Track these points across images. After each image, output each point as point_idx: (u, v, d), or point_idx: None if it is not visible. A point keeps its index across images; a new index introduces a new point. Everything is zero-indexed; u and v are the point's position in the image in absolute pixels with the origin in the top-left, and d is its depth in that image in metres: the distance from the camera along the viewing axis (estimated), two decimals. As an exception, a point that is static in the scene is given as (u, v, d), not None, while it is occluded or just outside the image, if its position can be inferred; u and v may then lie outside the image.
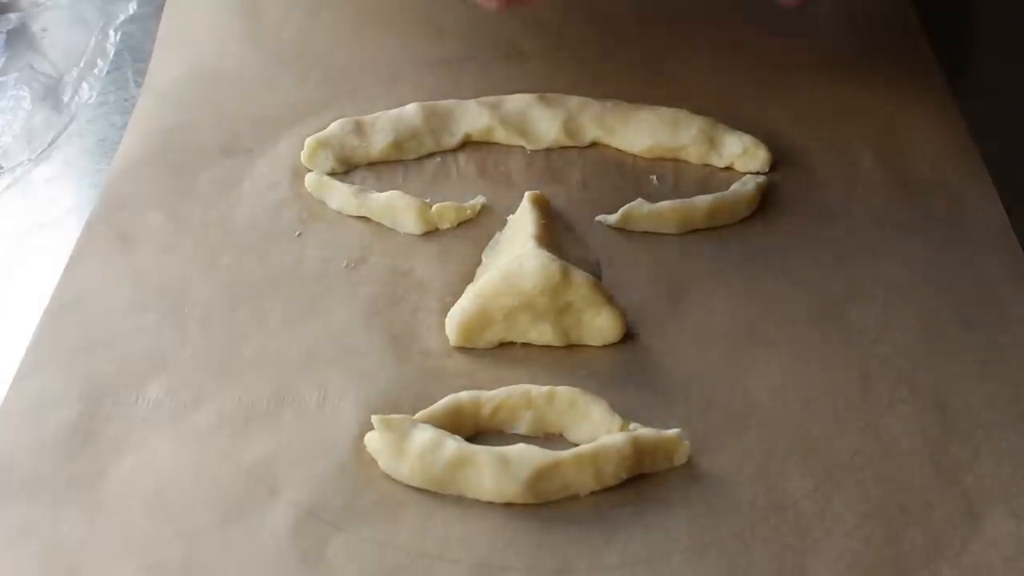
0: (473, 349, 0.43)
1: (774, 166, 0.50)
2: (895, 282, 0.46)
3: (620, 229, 0.48)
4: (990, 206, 0.49)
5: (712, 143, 0.51)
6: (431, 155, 0.51)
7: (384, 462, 0.39)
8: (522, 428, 0.40)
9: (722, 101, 0.53)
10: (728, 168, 0.51)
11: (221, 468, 0.39)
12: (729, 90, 0.54)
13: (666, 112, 0.52)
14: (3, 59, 0.55)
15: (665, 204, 0.48)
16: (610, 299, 0.43)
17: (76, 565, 0.36)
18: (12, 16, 0.57)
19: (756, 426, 0.40)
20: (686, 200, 0.48)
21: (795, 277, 0.46)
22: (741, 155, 0.50)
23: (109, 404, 0.41)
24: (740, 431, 0.40)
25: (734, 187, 0.49)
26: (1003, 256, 0.47)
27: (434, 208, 0.48)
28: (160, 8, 0.60)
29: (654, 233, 0.48)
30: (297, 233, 0.48)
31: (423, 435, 0.39)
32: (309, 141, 0.50)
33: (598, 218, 0.48)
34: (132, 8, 0.60)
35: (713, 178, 0.50)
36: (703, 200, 0.48)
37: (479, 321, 0.43)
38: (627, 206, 0.48)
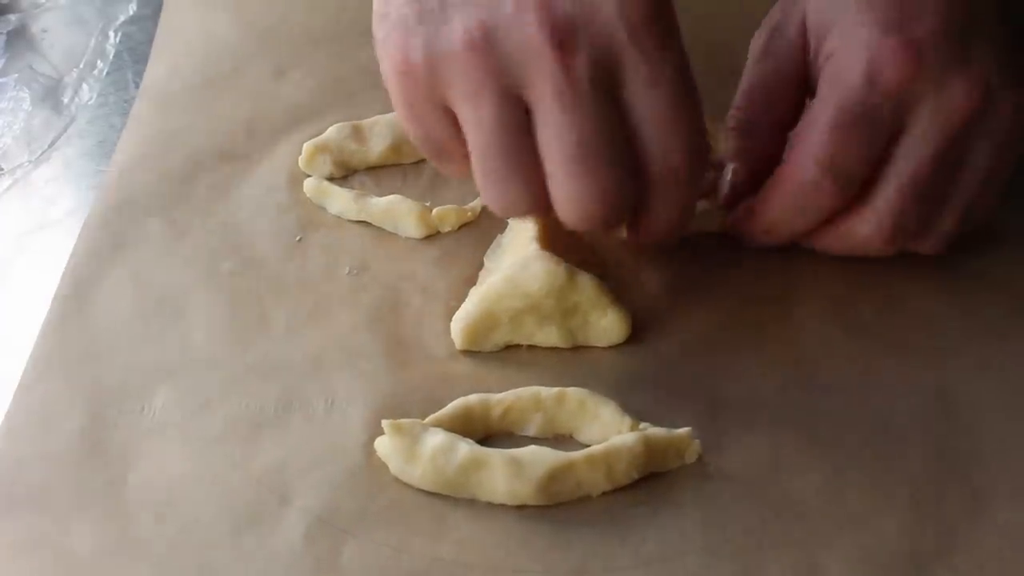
0: (479, 352, 0.43)
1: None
2: (897, 278, 0.46)
3: (623, 228, 0.48)
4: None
5: (712, 137, 0.51)
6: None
7: (395, 466, 0.39)
8: (532, 430, 0.40)
9: (723, 102, 0.52)
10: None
11: (231, 476, 0.39)
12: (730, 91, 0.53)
13: None
14: (3, 60, 0.55)
15: None
16: (615, 300, 0.43)
17: (88, 577, 0.36)
18: (12, 17, 0.57)
19: (765, 423, 0.41)
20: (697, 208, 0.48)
21: (798, 275, 0.46)
22: None
23: (115, 414, 0.40)
24: (749, 428, 0.40)
25: None
26: (1000, 249, 0.47)
27: (435, 211, 0.48)
28: (160, 10, 0.60)
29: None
30: (297, 238, 0.47)
31: (435, 439, 0.38)
32: (307, 146, 0.50)
33: None
34: (132, 9, 0.60)
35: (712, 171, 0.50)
36: (712, 213, 0.47)
37: (485, 324, 0.43)
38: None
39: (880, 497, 0.38)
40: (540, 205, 0.39)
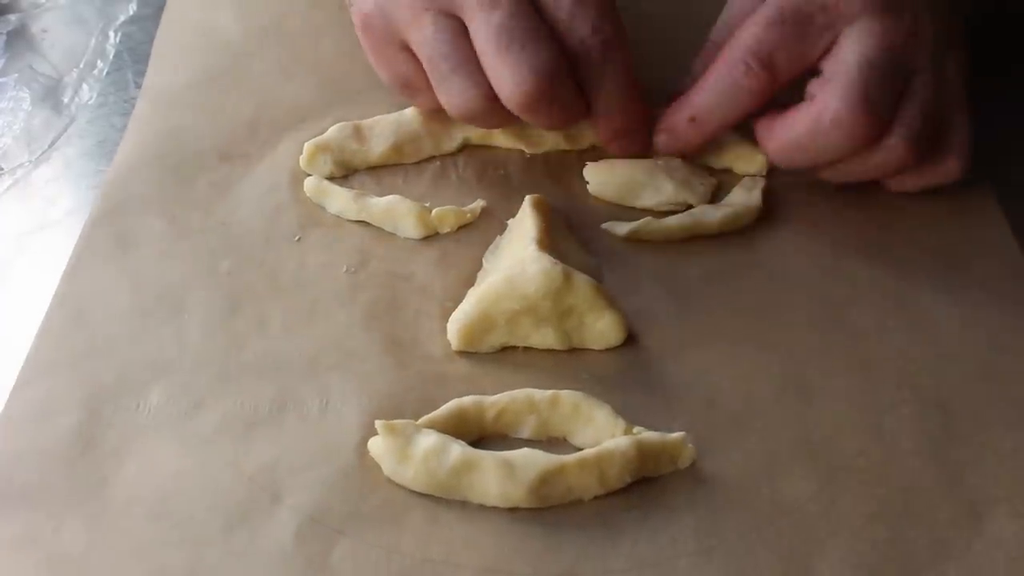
0: (475, 354, 0.43)
1: (775, 168, 0.50)
2: (895, 284, 0.46)
3: (622, 232, 0.48)
4: (990, 207, 0.49)
5: (712, 145, 0.51)
6: (430, 159, 0.51)
7: (388, 467, 0.39)
8: (526, 432, 0.40)
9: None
10: (726, 170, 0.51)
11: (224, 474, 0.39)
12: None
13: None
14: (3, 60, 0.55)
15: (675, 220, 0.47)
16: (612, 303, 0.43)
17: (80, 574, 0.36)
18: (12, 17, 0.57)
19: (759, 429, 0.41)
20: (696, 216, 0.48)
21: (796, 280, 0.46)
22: (739, 158, 0.50)
23: (110, 411, 0.41)
24: (744, 434, 0.40)
25: (740, 197, 0.49)
26: (1003, 257, 0.47)
27: (434, 212, 0.48)
28: (160, 9, 0.60)
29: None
30: (296, 238, 0.47)
31: (427, 440, 0.38)
32: (308, 145, 0.50)
33: (604, 225, 0.48)
34: (132, 9, 0.59)
35: (712, 178, 0.50)
36: (713, 216, 0.48)
37: (481, 325, 0.43)
38: (636, 223, 0.47)
39: (874, 504, 0.38)
40: (488, 97, 0.45)
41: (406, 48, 0.47)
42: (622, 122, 0.48)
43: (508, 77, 0.44)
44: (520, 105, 0.44)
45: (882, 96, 0.44)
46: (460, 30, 0.45)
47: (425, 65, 0.46)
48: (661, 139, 0.49)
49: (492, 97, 0.45)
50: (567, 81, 0.45)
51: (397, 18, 0.46)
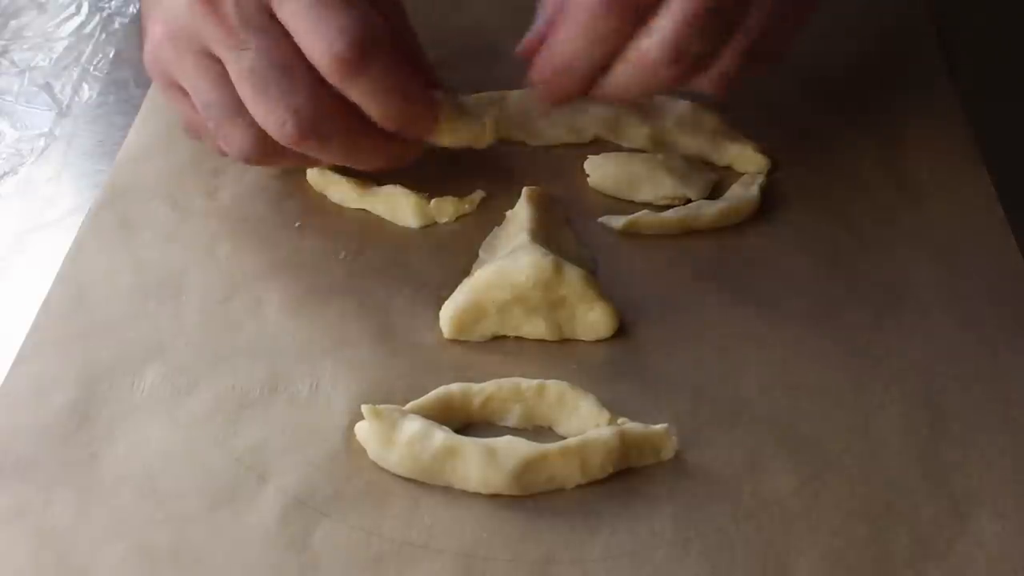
0: (467, 342, 0.43)
1: (775, 166, 0.50)
2: (892, 283, 0.46)
3: (622, 228, 0.48)
4: (989, 208, 0.48)
5: (713, 143, 0.51)
6: (432, 149, 0.51)
7: (373, 451, 0.39)
8: (511, 421, 0.41)
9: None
10: (727, 167, 0.51)
11: (212, 454, 0.39)
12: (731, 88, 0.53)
13: (672, 106, 0.52)
14: (3, 59, 0.56)
15: (671, 213, 0.48)
16: (603, 294, 0.43)
17: (67, 547, 0.37)
18: (11, 18, 0.57)
19: (745, 423, 0.41)
20: (691, 209, 0.48)
21: (792, 277, 0.46)
22: (740, 157, 0.50)
23: (105, 389, 0.41)
24: (729, 427, 0.40)
25: (737, 191, 0.49)
26: (1001, 258, 0.46)
27: (432, 202, 0.48)
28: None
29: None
30: (297, 224, 0.48)
31: (412, 425, 0.39)
32: (312, 133, 0.51)
33: (601, 219, 0.48)
34: (132, 9, 0.60)
35: (712, 173, 0.50)
36: (709, 210, 0.48)
37: (472, 314, 0.43)
38: (633, 216, 0.48)
39: (856, 502, 0.38)
40: (263, 139, 0.43)
41: (184, 91, 0.45)
42: (399, 125, 0.45)
43: (271, 123, 0.42)
44: (295, 144, 0.42)
45: (703, 32, 0.41)
46: (223, 72, 0.43)
47: (200, 112, 0.44)
48: (539, 92, 0.45)
49: (267, 138, 0.43)
50: (333, 110, 0.43)
51: (167, 61, 0.44)
